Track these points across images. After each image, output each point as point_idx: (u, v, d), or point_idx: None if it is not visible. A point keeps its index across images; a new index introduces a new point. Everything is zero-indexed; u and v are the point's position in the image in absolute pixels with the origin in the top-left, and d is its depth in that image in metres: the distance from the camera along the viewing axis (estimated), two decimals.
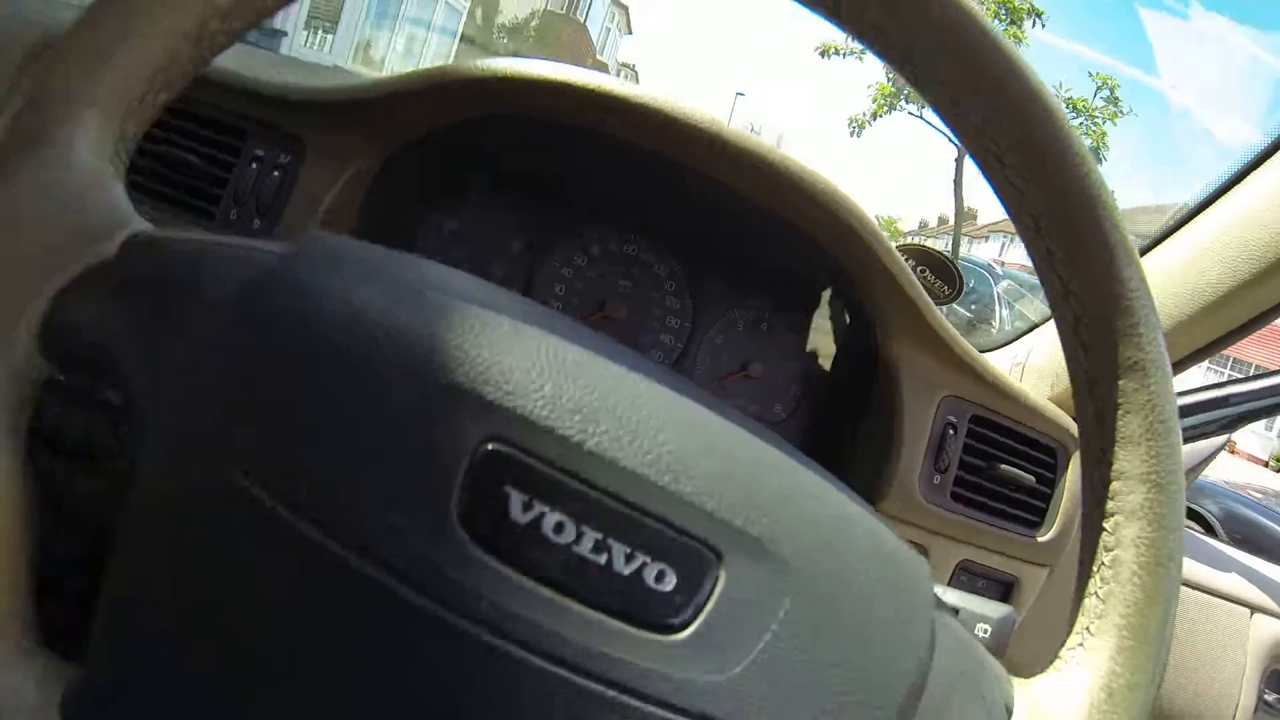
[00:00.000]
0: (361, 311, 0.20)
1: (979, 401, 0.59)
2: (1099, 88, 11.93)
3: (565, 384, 0.20)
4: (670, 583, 0.19)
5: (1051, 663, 0.26)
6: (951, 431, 0.58)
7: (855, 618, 0.21)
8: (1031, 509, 0.60)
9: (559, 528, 0.18)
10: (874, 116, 12.78)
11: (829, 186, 0.52)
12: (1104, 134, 11.83)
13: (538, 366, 0.20)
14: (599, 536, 0.18)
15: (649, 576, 0.19)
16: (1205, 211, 0.65)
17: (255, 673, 0.18)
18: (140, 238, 0.23)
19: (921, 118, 12.55)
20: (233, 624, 0.18)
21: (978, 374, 0.58)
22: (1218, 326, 0.64)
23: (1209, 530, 1.16)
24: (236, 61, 0.55)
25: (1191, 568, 0.78)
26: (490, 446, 0.18)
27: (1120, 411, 0.25)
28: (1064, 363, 0.28)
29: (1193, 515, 1.21)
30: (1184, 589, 0.76)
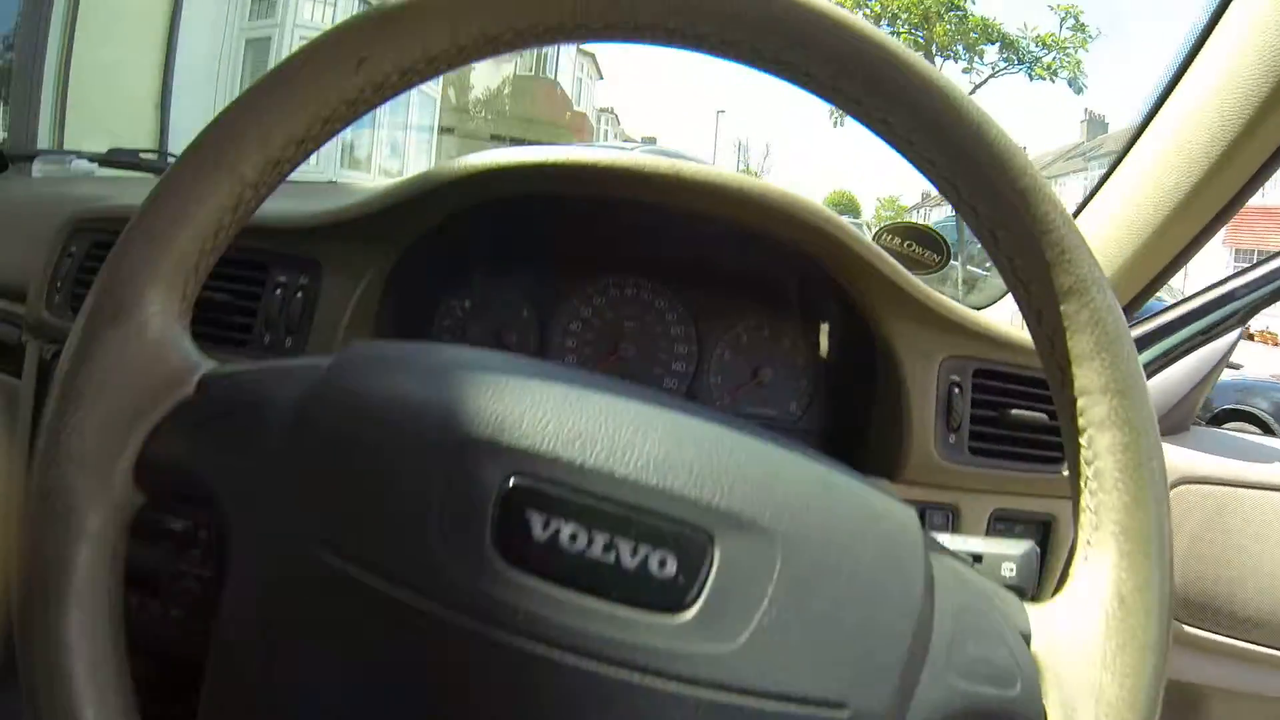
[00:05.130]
0: (397, 399, 0.24)
1: (977, 355, 0.61)
2: (1063, 19, 11.80)
3: (565, 418, 0.23)
4: (672, 568, 0.22)
5: (1061, 584, 0.28)
6: (957, 390, 0.60)
7: (844, 571, 0.23)
8: (1049, 445, 0.61)
9: (573, 537, 0.22)
10: None
11: (803, 202, 0.57)
12: (1079, 62, 11.62)
13: (541, 410, 0.24)
14: (606, 538, 0.22)
15: (653, 565, 0.22)
16: (1148, 128, 0.68)
17: (342, 697, 0.22)
18: (210, 376, 0.28)
19: None
20: (320, 661, 0.22)
21: (970, 331, 0.61)
22: (1190, 226, 0.67)
23: (1265, 429, 1.11)
24: None
25: (1255, 469, 0.76)
26: (511, 482, 0.22)
27: (1068, 334, 0.27)
28: None
29: (1246, 416, 1.17)
30: (1250, 491, 0.75)
